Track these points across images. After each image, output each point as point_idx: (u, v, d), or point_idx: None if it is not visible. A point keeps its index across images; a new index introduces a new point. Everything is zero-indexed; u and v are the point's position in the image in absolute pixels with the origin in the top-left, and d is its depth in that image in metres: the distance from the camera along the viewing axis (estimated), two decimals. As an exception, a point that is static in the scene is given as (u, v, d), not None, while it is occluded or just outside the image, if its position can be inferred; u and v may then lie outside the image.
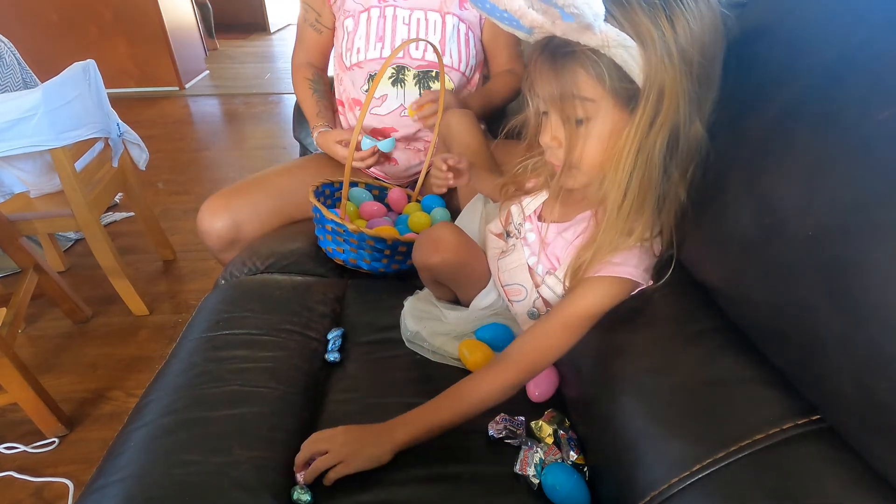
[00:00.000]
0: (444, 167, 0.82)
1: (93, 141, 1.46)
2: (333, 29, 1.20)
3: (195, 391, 0.66)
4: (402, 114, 1.18)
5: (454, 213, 1.06)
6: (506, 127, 0.70)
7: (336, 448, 0.57)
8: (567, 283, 0.65)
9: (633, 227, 0.59)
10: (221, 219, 1.06)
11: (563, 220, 0.69)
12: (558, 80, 0.53)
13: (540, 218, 0.72)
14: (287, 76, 4.06)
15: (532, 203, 0.73)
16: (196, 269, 1.84)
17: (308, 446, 0.59)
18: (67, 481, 1.12)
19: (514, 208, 0.75)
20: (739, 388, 0.49)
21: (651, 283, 0.62)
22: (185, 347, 0.75)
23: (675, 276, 0.62)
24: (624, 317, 0.63)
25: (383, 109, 1.17)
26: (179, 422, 0.62)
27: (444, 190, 0.85)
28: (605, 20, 0.47)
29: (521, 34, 0.58)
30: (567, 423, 0.68)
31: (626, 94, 0.53)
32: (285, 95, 3.66)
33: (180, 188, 2.40)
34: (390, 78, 1.15)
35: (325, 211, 0.90)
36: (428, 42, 1.01)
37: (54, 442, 1.20)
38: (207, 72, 4.10)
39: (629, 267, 0.60)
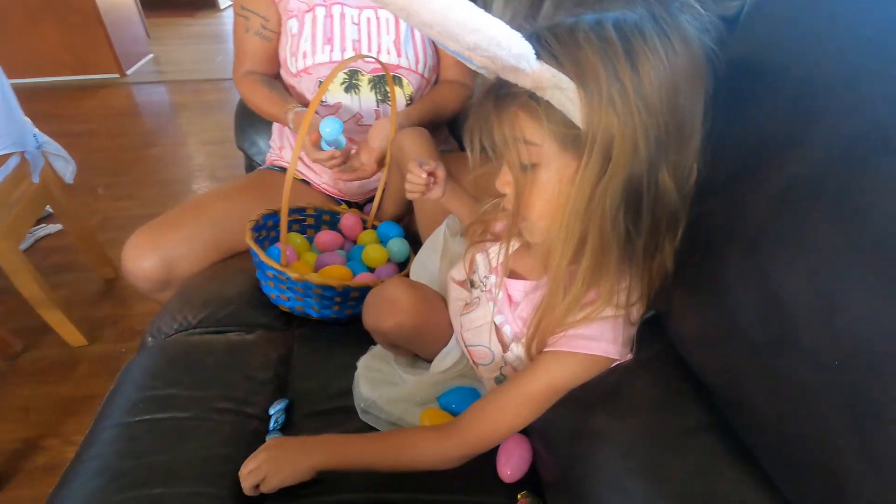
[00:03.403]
0: (424, 175, 0.72)
1: (4, 157, 1.29)
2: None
3: (107, 502, 0.56)
4: (360, 122, 1.06)
5: (412, 240, 0.96)
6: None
7: (259, 465, 0.57)
8: (532, 352, 0.57)
9: (592, 293, 0.51)
10: (149, 258, 0.93)
11: (531, 278, 0.60)
12: (499, 122, 0.48)
13: (506, 272, 0.63)
14: (239, 59, 3.83)
15: (500, 252, 0.64)
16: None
17: (242, 468, 0.58)
18: (-3, 549, 1.01)
19: (480, 257, 0.66)
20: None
21: (630, 356, 0.54)
22: (100, 438, 0.64)
23: (659, 345, 0.54)
24: (602, 393, 0.55)
25: (340, 117, 1.05)
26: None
27: (417, 197, 0.76)
28: (539, 58, 0.43)
29: (479, 71, 0.49)
30: (543, 509, 0.60)
31: (571, 138, 0.46)
32: (238, 80, 3.41)
33: (123, 192, 2.21)
34: (343, 84, 1.03)
35: (263, 256, 0.79)
36: (376, 60, 0.89)
37: (-19, 504, 1.07)
38: (151, 55, 3.80)
39: (604, 343, 0.52)
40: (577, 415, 0.57)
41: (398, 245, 0.93)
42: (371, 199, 1.15)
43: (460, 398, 0.69)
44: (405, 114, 0.99)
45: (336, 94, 1.03)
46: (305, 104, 1.05)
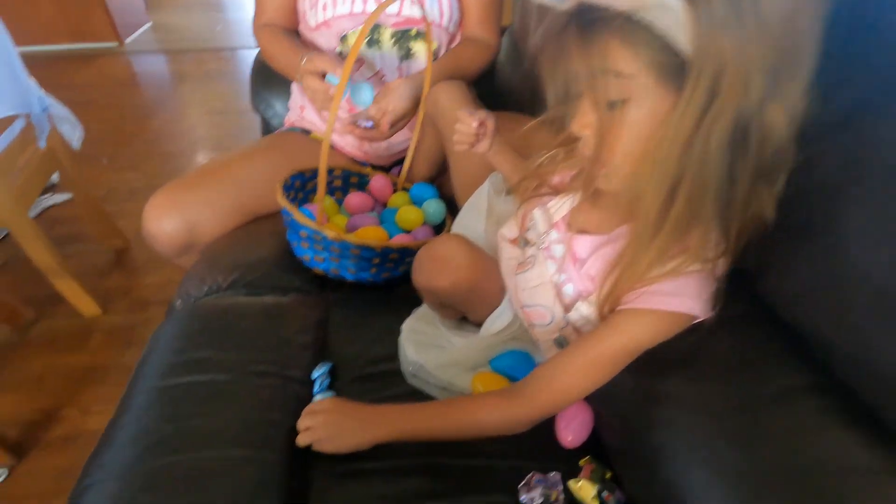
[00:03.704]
0: (475, 123, 0.67)
1: (9, 120, 1.23)
2: None
3: (146, 470, 0.52)
4: (382, 80, 1.00)
5: (448, 203, 0.92)
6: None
7: (316, 428, 0.55)
8: (605, 310, 0.53)
9: (679, 246, 0.47)
10: (171, 220, 0.89)
11: (599, 232, 0.56)
12: (587, 53, 0.43)
13: (571, 227, 0.58)
14: (241, 28, 3.70)
15: (561, 207, 0.59)
16: (153, 258, 1.63)
17: (299, 421, 0.57)
18: (20, 521, 0.99)
19: (538, 212, 0.61)
20: (865, 481, 0.38)
21: (711, 314, 0.50)
22: (134, 403, 0.60)
23: (744, 305, 0.50)
24: (679, 355, 0.52)
25: (361, 74, 0.99)
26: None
27: (464, 149, 0.71)
28: None
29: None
30: (609, 475, 0.57)
31: (673, 69, 0.41)
32: (240, 51, 3.31)
33: (127, 164, 2.14)
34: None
35: (298, 215, 0.74)
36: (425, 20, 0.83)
37: (1, 475, 1.05)
38: (150, 23, 3.68)
39: (687, 298, 0.48)
40: (649, 378, 0.53)
41: (434, 206, 0.88)
42: (397, 163, 1.11)
43: (513, 362, 0.65)
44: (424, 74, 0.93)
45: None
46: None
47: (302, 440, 0.56)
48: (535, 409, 0.52)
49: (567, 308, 0.58)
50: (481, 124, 0.67)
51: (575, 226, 0.57)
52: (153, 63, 3.22)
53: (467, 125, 0.66)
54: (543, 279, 0.60)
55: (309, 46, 1.03)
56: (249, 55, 3.35)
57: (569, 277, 0.58)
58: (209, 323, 0.69)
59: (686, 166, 0.42)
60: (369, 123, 0.90)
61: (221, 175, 0.94)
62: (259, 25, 1.02)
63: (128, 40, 3.38)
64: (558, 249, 0.58)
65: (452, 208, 0.91)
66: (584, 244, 0.56)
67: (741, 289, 0.49)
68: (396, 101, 0.89)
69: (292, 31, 1.05)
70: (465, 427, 0.55)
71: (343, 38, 0.97)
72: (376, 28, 0.96)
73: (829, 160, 0.42)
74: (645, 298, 0.49)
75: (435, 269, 0.61)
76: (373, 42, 0.98)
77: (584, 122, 0.47)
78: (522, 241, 0.64)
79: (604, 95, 0.44)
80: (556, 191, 0.61)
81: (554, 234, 0.59)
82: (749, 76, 0.39)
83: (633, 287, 0.49)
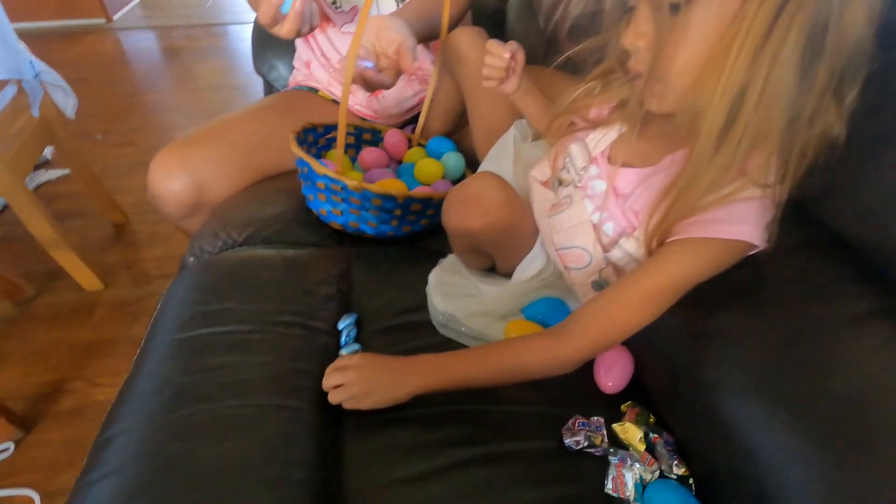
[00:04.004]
0: (507, 54, 0.63)
1: (0, 85, 1.18)
2: None
3: (173, 419, 0.50)
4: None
5: (468, 158, 0.88)
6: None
7: (349, 385, 0.52)
8: (653, 244, 0.50)
9: (737, 169, 0.44)
10: (179, 178, 0.85)
11: (645, 164, 0.53)
12: None
13: (612, 161, 0.55)
14: (232, 3, 3.60)
15: (600, 141, 0.56)
16: (154, 232, 1.60)
17: (326, 378, 0.54)
18: (31, 492, 0.96)
19: (575, 147, 0.58)
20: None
21: (769, 244, 0.47)
22: (153, 355, 0.57)
23: (803, 232, 0.47)
24: (733, 288, 0.49)
25: (355, 25, 0.95)
26: (157, 466, 0.46)
27: (493, 86, 0.66)
28: None
29: None
30: (652, 420, 0.55)
31: None
32: (231, 27, 3.22)
33: (123, 139, 2.09)
34: None
35: (314, 164, 0.71)
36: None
37: (8, 448, 1.02)
38: (138, 0, 3.57)
39: (745, 226, 0.45)
40: (698, 315, 0.51)
41: (454, 159, 0.85)
42: (407, 122, 1.07)
43: (547, 309, 0.63)
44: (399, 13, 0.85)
45: None
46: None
47: (335, 398, 0.53)
48: (583, 347, 0.50)
49: (606, 248, 0.56)
50: (513, 56, 0.63)
51: (617, 160, 0.54)
52: (143, 40, 3.14)
53: (499, 56, 0.62)
54: (581, 219, 0.57)
55: None
56: (242, 30, 3.27)
57: (609, 215, 0.55)
58: (227, 275, 0.66)
59: (754, 74, 0.39)
60: (368, 63, 0.74)
61: (230, 132, 0.90)
62: None
63: (116, 17, 3.29)
64: (598, 185, 0.55)
65: (471, 163, 0.87)
66: (627, 178, 0.53)
67: (799, 214, 0.46)
68: (399, 35, 0.71)
69: None
70: (508, 370, 0.52)
71: None
72: None
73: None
74: (699, 227, 0.46)
75: (468, 208, 0.58)
76: None
77: (639, 32, 0.44)
78: (555, 182, 0.62)
79: None
80: (594, 125, 0.57)
81: (593, 170, 0.56)
82: None
83: (686, 216, 0.47)
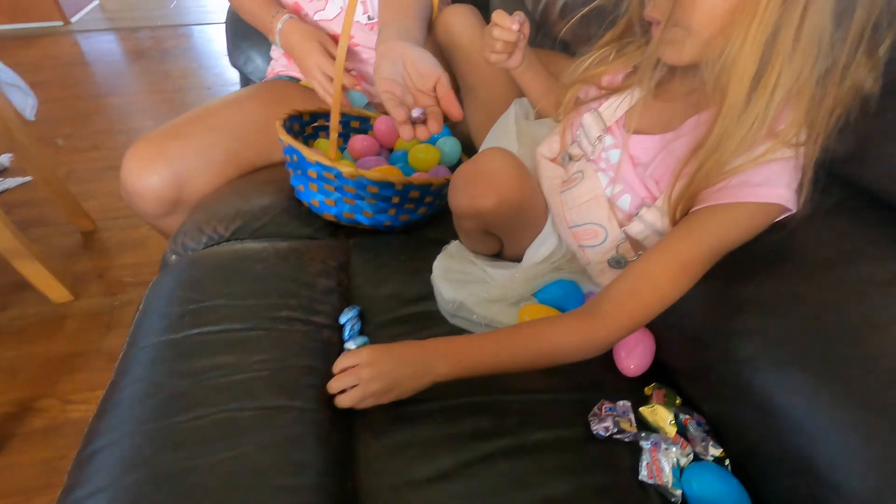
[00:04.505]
0: (515, 25, 0.58)
1: (-48, 83, 1.10)
2: None
3: (166, 426, 0.45)
4: (362, 17, 0.91)
5: (464, 143, 0.85)
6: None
7: (365, 384, 0.47)
8: (678, 213, 0.48)
9: (766, 128, 0.42)
10: (158, 172, 0.79)
11: (665, 130, 0.50)
12: None
13: (628, 129, 0.53)
14: (197, 3, 3.49)
15: (617, 108, 0.54)
16: (125, 238, 1.52)
17: (335, 381, 0.48)
18: (3, 520, 0.89)
19: (589, 117, 0.56)
20: None
21: (801, 207, 0.45)
22: (138, 360, 0.52)
23: (838, 194, 0.45)
24: (763, 255, 0.47)
25: (329, 12, 0.91)
26: (151, 479, 0.41)
27: (498, 60, 0.61)
28: None
29: None
30: (679, 401, 0.53)
31: None
32: (196, 27, 3.11)
33: (87, 143, 1.98)
34: None
35: (305, 150, 0.66)
36: None
37: (-26, 474, 0.94)
38: (97, 2, 3.43)
39: (778, 188, 0.43)
40: (728, 285, 0.49)
41: (450, 144, 0.81)
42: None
43: (562, 292, 0.60)
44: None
45: None
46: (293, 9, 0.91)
47: (347, 400, 0.48)
48: (616, 324, 0.47)
49: (622, 223, 0.53)
50: (521, 27, 0.59)
51: (633, 127, 0.52)
52: (104, 42, 3.01)
53: (507, 29, 0.58)
54: (595, 193, 0.54)
55: None
56: (209, 31, 3.17)
57: (627, 187, 0.52)
58: (216, 270, 0.61)
59: (788, 17, 0.37)
60: (419, 112, 0.60)
61: (212, 121, 0.84)
62: None
63: (74, 19, 3.15)
64: (614, 155, 0.53)
65: (466, 149, 0.84)
66: (646, 145, 0.51)
67: (831, 176, 0.44)
68: (435, 69, 0.60)
69: None
70: (539, 354, 0.48)
71: None
72: None
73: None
74: (728, 193, 0.44)
75: (480, 185, 0.54)
76: None
77: None
78: (565, 158, 0.59)
79: None
80: (608, 94, 0.55)
81: (608, 140, 0.54)
82: None
83: (713, 181, 0.44)
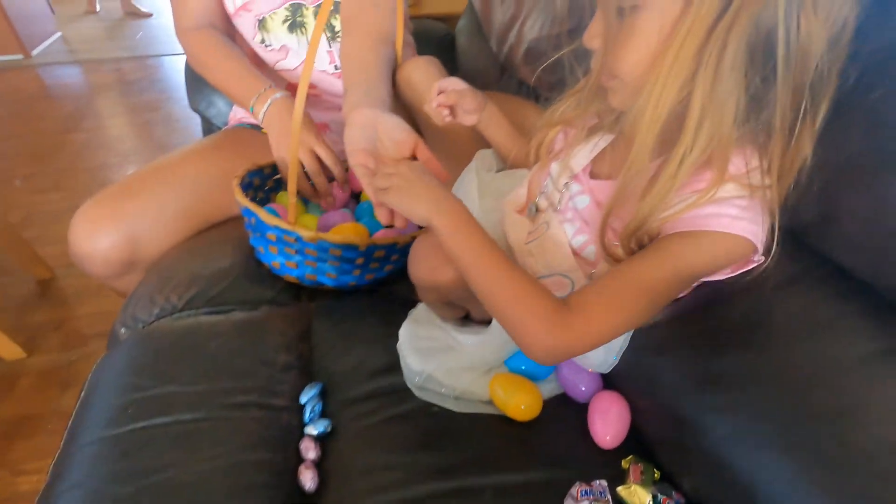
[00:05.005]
0: (434, 103, 0.62)
1: None
2: None
3: (105, 544, 0.41)
4: (329, 67, 0.90)
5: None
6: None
7: (396, 175, 0.51)
8: (633, 246, 0.47)
9: (715, 173, 0.42)
10: (108, 234, 0.75)
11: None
12: None
13: (595, 176, 0.53)
14: (165, 34, 3.44)
15: (582, 155, 0.53)
16: (84, 286, 1.45)
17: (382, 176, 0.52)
18: None
19: (556, 165, 0.56)
20: None
21: (766, 260, 0.44)
22: (76, 460, 0.48)
23: (804, 263, 0.44)
24: (733, 326, 0.46)
25: (290, 63, 0.90)
26: None
27: (448, 122, 0.64)
28: None
29: None
30: (658, 475, 0.51)
31: None
32: (166, 58, 3.07)
33: (47, 183, 1.91)
34: (285, 22, 0.87)
35: (263, 214, 0.63)
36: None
37: (-88, 561, 0.86)
38: (59, 34, 3.35)
39: (742, 221, 0.41)
40: (700, 356, 0.48)
41: (416, 195, 0.79)
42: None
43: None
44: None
45: (279, 34, 0.87)
46: (246, 50, 0.89)
47: (381, 182, 0.51)
48: (579, 339, 0.44)
49: (589, 268, 0.52)
50: (440, 92, 0.62)
51: (600, 174, 0.52)
52: (67, 75, 2.94)
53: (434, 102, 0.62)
54: (560, 243, 0.53)
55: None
56: (177, 61, 3.12)
57: (592, 237, 0.51)
58: (166, 350, 0.57)
59: (697, 79, 0.38)
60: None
61: (165, 177, 0.81)
62: (183, 29, 0.87)
63: (35, 52, 3.07)
64: (580, 202, 0.52)
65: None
66: (609, 190, 0.49)
67: (797, 245, 0.43)
68: (410, 135, 0.59)
69: (223, 31, 0.90)
70: (501, 299, 0.45)
71: (261, 23, 0.86)
72: (298, 9, 0.86)
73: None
74: (694, 221, 0.43)
75: (437, 260, 0.52)
76: (295, 25, 0.88)
77: (592, 33, 0.45)
78: (532, 209, 0.58)
79: (613, 1, 0.41)
80: (575, 143, 0.55)
81: (575, 187, 0.53)
82: None
83: (653, 222, 0.44)
